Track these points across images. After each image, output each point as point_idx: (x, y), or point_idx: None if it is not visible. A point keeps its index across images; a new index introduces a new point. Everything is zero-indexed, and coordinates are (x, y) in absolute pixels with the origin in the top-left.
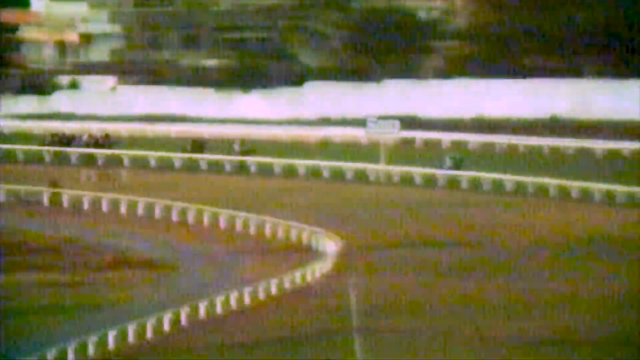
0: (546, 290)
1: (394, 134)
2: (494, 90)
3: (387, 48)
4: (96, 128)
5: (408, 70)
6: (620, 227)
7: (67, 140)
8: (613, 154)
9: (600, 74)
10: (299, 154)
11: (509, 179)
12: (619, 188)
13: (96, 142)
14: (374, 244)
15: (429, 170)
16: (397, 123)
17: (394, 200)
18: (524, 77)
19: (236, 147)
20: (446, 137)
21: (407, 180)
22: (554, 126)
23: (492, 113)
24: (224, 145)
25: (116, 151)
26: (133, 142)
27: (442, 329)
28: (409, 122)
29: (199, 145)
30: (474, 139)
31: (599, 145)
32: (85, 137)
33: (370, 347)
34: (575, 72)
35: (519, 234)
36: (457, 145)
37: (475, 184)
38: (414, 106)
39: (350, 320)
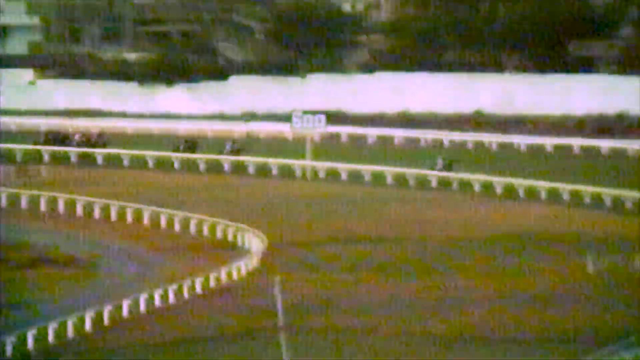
0: (467, 286)
1: (319, 129)
2: (418, 85)
3: (311, 42)
4: (86, 126)
5: (333, 64)
6: (541, 223)
7: (62, 138)
8: (536, 150)
9: (521, 68)
10: (224, 149)
11: (433, 174)
12: (542, 184)
13: (88, 141)
14: (300, 241)
15: (355, 166)
16: (322, 118)
17: (320, 196)
18: (448, 71)
19: (227, 146)
20: (372, 132)
21: (333, 176)
22: (478, 121)
23: (417, 108)
24: (146, 140)
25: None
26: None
27: (367, 326)
28: (335, 117)
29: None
30: (400, 134)
31: (522, 140)
32: (77, 136)
33: (296, 345)
34: (498, 66)
35: (443, 229)
36: (383, 140)
37: (401, 180)
38: (340, 101)
39: (276, 319)
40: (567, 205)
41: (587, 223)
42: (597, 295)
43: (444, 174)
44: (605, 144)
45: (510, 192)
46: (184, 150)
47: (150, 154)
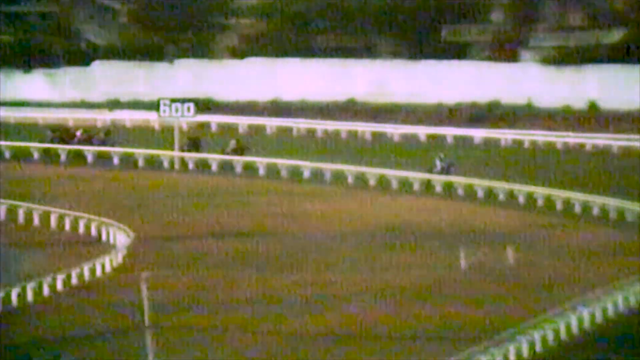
0: (341, 282)
1: (188, 117)
2: (290, 71)
3: (179, 25)
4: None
5: (202, 50)
6: (415, 216)
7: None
8: (410, 139)
9: (395, 54)
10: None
11: (308, 165)
12: (415, 175)
13: (89, 139)
14: (167, 235)
15: (226, 157)
16: (191, 106)
17: (189, 188)
18: (321, 57)
19: (232, 144)
20: (243, 121)
21: (202, 167)
22: (352, 109)
23: (289, 95)
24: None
25: None
26: None
27: (237, 324)
28: (204, 105)
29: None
30: (272, 122)
31: (396, 129)
32: (79, 133)
33: (162, 344)
34: (371, 52)
35: (317, 223)
36: (254, 129)
37: (274, 171)
38: (209, 88)
39: (142, 317)
40: (441, 197)
41: (460, 216)
42: (469, 290)
43: (318, 165)
44: (478, 134)
45: (384, 184)
46: (188, 149)
47: (5, 145)
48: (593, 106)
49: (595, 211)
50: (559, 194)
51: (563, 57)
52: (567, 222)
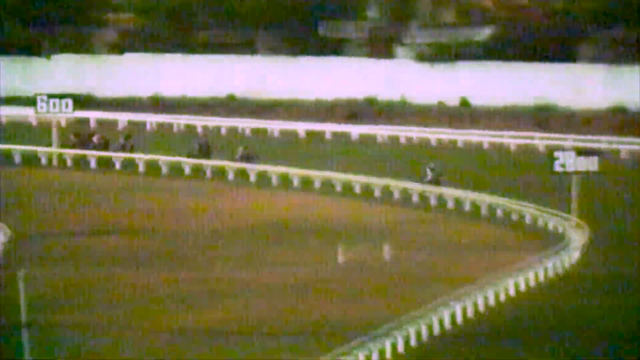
0: (222, 279)
1: (66, 114)
2: (170, 67)
3: (56, 19)
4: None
5: (81, 45)
6: (295, 212)
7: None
8: (289, 136)
9: (274, 50)
10: None
11: (188, 162)
12: (295, 171)
13: (104, 144)
14: (45, 233)
15: (104, 154)
16: (69, 102)
17: (68, 185)
18: (201, 52)
19: (240, 150)
20: (122, 118)
21: (82, 164)
22: (232, 105)
23: (170, 91)
24: None
25: None
26: None
27: (116, 322)
28: (83, 101)
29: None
30: (152, 119)
31: (276, 126)
32: (95, 139)
33: (39, 342)
34: (251, 47)
35: (198, 219)
36: (135, 126)
37: (153, 167)
38: (88, 83)
39: (18, 315)
40: (320, 193)
41: (339, 212)
42: (346, 286)
43: (198, 161)
44: (355, 130)
45: (264, 180)
46: (198, 155)
47: None
48: (465, 102)
49: (467, 207)
50: (433, 190)
51: (436, 54)
52: (441, 217)
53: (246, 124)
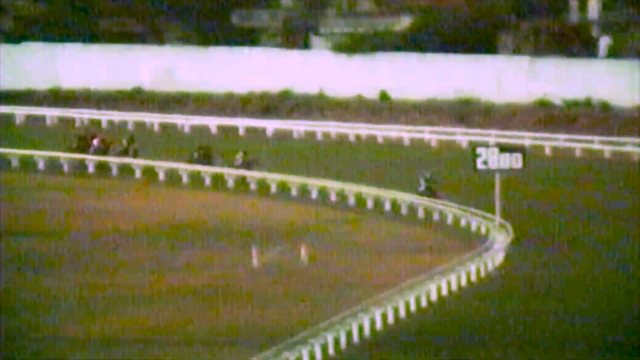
0: (130, 283)
1: None
2: (70, 57)
3: None
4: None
5: None
6: (208, 212)
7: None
8: (201, 131)
9: (184, 40)
10: None
11: (92, 159)
12: (208, 169)
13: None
14: None
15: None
16: None
17: None
18: (104, 42)
19: (239, 156)
20: (20, 112)
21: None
22: (138, 98)
23: (71, 83)
24: None
25: None
26: None
27: (13, 330)
28: None
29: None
30: (52, 113)
31: (186, 120)
32: (96, 142)
33: None
34: (158, 37)
35: (103, 220)
36: (32, 120)
37: (53, 165)
38: None
39: None
40: (233, 192)
41: (253, 212)
42: (261, 291)
43: (103, 159)
44: (270, 125)
45: (174, 179)
46: (198, 159)
47: None
48: (384, 96)
49: (387, 206)
50: (352, 189)
51: (354, 44)
52: (360, 217)
53: (155, 119)
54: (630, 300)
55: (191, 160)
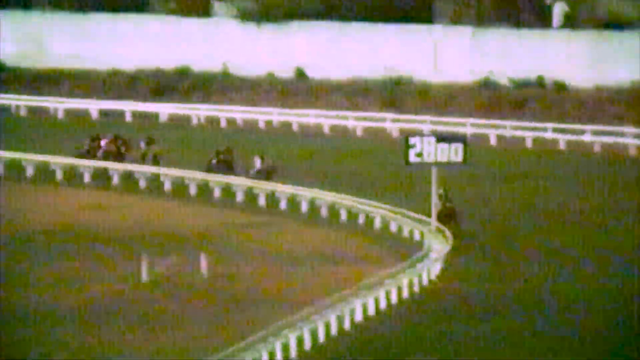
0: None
1: None
2: None
3: None
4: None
5: None
6: (86, 212)
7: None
8: (77, 115)
9: (55, 6)
10: None
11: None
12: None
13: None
14: None
15: None
16: None
17: None
18: None
19: (257, 162)
20: None
21: None
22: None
23: None
24: None
25: None
26: None
27: None
28: None
29: None
30: None
31: (59, 103)
32: (104, 144)
33: None
34: (24, 1)
35: None
36: None
37: None
38: None
39: None
40: (119, 190)
41: (144, 214)
42: (152, 311)
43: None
44: (164, 110)
45: (47, 175)
46: (218, 166)
47: None
48: (301, 74)
49: (305, 207)
50: (262, 186)
51: (263, 12)
52: (273, 220)
53: (21, 102)
54: (589, 322)
55: (210, 169)
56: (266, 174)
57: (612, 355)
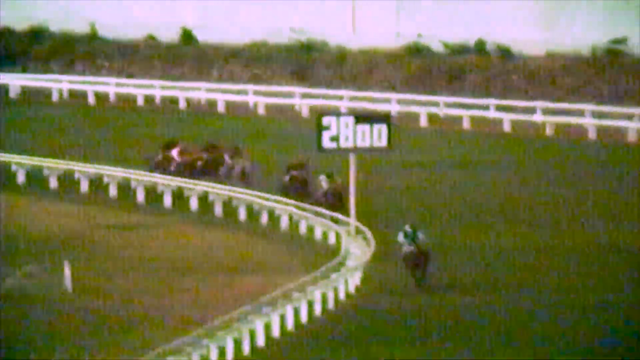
0: None
1: None
2: None
3: None
4: None
5: None
6: None
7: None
8: None
9: None
10: None
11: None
12: None
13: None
14: None
15: None
16: None
17: None
18: None
19: (322, 182)
20: None
21: None
22: None
23: None
24: None
25: None
26: None
27: None
28: None
29: None
30: None
31: None
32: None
33: None
34: None
35: None
36: None
37: None
38: None
39: None
40: None
41: None
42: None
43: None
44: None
45: None
46: (292, 184)
47: None
48: (188, 37)
49: (194, 204)
50: (140, 178)
51: None
52: (156, 220)
53: None
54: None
55: (285, 191)
56: (336, 198)
57: None
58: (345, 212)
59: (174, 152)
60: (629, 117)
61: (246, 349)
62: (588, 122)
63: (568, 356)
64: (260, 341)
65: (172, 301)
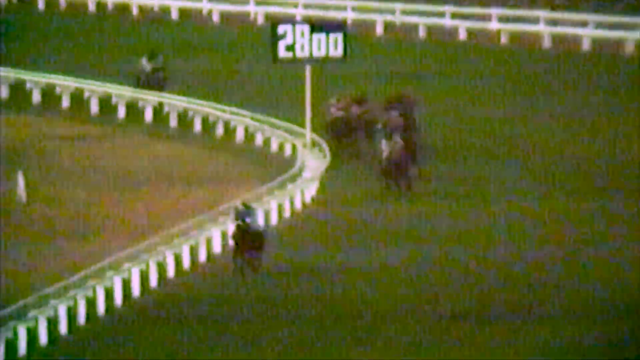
0: None
1: None
2: None
3: None
4: None
5: None
6: None
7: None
8: None
9: None
10: None
11: None
12: None
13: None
14: None
15: None
16: None
17: None
18: None
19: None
20: None
21: None
22: None
23: None
24: None
25: None
26: None
27: None
28: None
29: None
30: None
31: None
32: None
33: None
34: None
35: None
36: None
37: None
38: None
39: None
40: None
41: None
42: None
43: None
44: None
45: None
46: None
47: None
48: None
49: (149, 115)
50: (93, 88)
51: None
52: (109, 131)
53: None
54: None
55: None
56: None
57: None
58: (300, 123)
59: (354, 108)
60: (583, 24)
61: (202, 256)
62: (542, 29)
63: None
64: (217, 248)
65: (126, 211)
